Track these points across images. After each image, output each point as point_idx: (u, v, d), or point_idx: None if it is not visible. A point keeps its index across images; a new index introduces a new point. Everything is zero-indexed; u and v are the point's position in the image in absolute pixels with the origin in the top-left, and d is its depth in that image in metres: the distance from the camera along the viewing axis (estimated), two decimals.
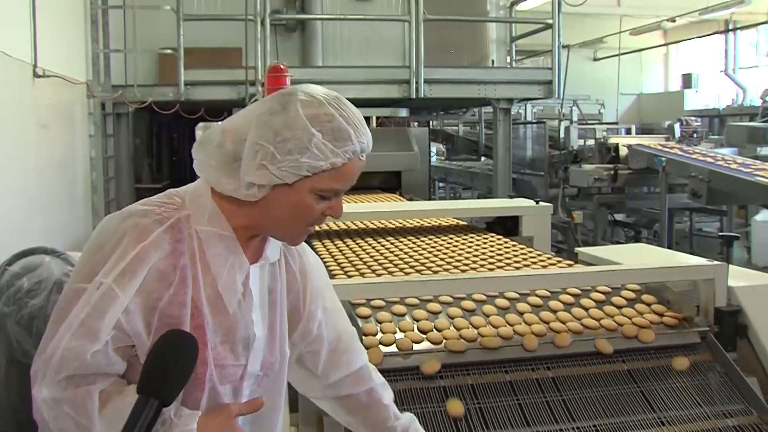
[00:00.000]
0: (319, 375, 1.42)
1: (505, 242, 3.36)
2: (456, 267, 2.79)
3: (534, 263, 2.86)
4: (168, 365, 1.06)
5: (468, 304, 2.21)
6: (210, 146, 1.19)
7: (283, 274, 1.33)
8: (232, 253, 1.21)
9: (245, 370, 1.25)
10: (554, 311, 2.20)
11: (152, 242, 1.14)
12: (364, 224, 3.97)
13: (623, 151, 7.46)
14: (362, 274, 2.70)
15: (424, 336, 2.01)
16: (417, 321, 2.10)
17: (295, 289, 1.36)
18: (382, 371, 1.81)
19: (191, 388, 1.17)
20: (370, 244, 3.36)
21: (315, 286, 1.39)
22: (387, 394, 1.48)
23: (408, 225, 3.96)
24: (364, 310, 2.13)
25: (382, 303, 2.17)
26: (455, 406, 1.75)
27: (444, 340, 2.00)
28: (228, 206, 1.21)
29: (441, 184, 12.11)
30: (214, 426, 1.14)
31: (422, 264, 2.85)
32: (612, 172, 7.26)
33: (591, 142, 8.25)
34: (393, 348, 1.95)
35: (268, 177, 1.15)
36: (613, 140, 7.79)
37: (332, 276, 2.69)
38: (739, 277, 2.27)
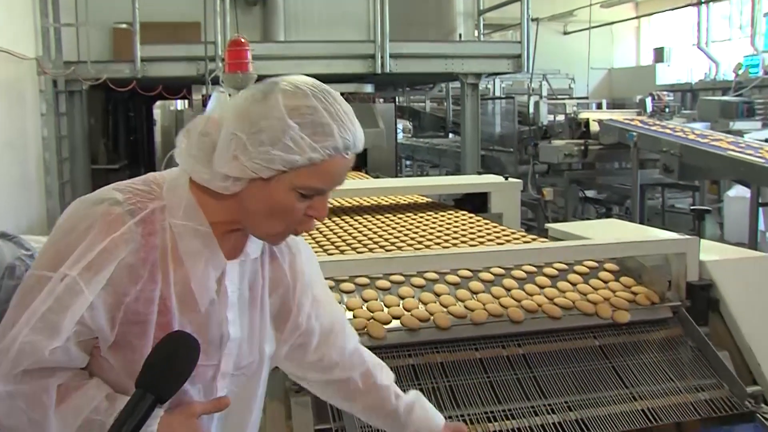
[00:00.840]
0: (312, 362, 1.40)
1: (475, 219, 3.37)
2: (424, 245, 2.80)
3: (504, 240, 2.87)
4: (170, 363, 1.06)
5: (441, 287, 2.21)
6: (194, 134, 1.16)
7: (266, 270, 1.30)
8: (208, 248, 1.18)
9: (218, 370, 1.23)
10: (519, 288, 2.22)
11: (122, 235, 1.11)
12: (329, 203, 3.92)
13: (594, 127, 7.53)
14: (327, 252, 2.69)
15: (384, 311, 2.02)
16: (369, 301, 2.09)
17: (284, 285, 1.32)
18: None
19: None
20: (335, 223, 3.35)
21: (306, 280, 1.36)
22: (384, 375, 1.46)
23: (374, 203, 3.96)
24: (347, 286, 2.12)
25: (352, 287, 2.15)
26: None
27: (403, 315, 2.01)
28: (206, 199, 1.17)
29: (408, 162, 12.11)
30: (175, 425, 1.11)
31: (389, 242, 2.85)
32: (582, 147, 7.33)
33: (561, 117, 8.33)
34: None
35: (240, 169, 1.11)
36: (583, 115, 7.86)
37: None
38: (711, 251, 2.30)
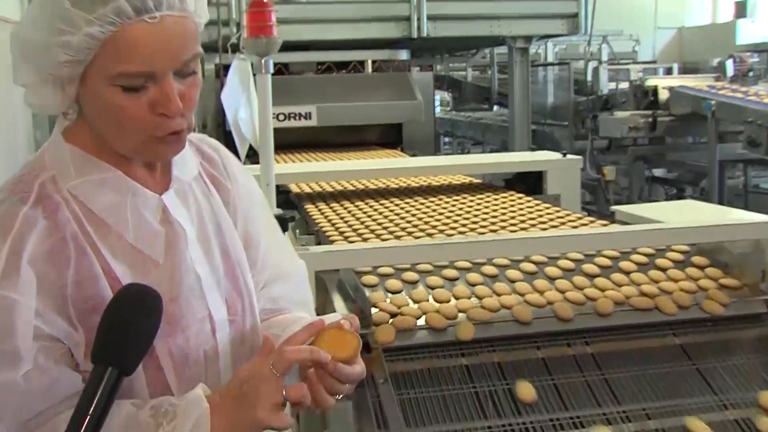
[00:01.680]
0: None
1: (528, 201, 3.36)
2: (472, 230, 2.80)
3: (564, 224, 2.86)
4: (124, 327, 1.03)
5: (490, 269, 2.22)
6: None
7: (212, 189, 1.30)
8: (126, 193, 1.16)
9: (213, 321, 1.22)
10: (591, 276, 2.20)
11: (21, 227, 1.09)
12: (362, 184, 3.98)
13: (663, 95, 7.40)
14: (365, 240, 2.70)
15: (438, 305, 2.03)
16: (432, 289, 2.11)
17: (231, 207, 1.33)
18: (393, 349, 1.87)
19: (152, 370, 1.14)
20: (371, 207, 3.37)
21: (251, 203, 1.37)
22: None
23: (413, 184, 3.97)
24: (371, 279, 2.13)
25: (391, 270, 2.17)
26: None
27: (463, 312, 2.00)
28: (86, 142, 1.15)
29: (447, 140, 12.08)
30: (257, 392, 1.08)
31: (433, 227, 2.85)
32: (650, 119, 7.21)
33: (624, 85, 8.20)
34: (407, 321, 1.96)
35: (30, 76, 1.10)
36: (650, 82, 7.72)
37: (330, 241, 2.70)
38: None
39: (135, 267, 1.15)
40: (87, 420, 0.98)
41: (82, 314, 1.10)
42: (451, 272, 2.19)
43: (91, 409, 0.99)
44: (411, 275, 2.16)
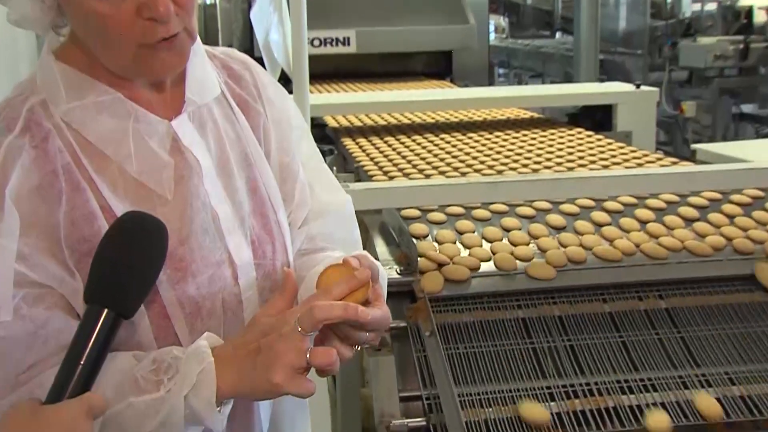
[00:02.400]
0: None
1: (596, 138, 3.33)
2: (534, 169, 2.79)
3: (638, 164, 2.83)
4: (121, 261, 1.01)
5: (555, 218, 2.20)
6: None
7: (239, 113, 1.27)
8: (127, 119, 1.13)
9: (234, 266, 1.18)
10: (662, 224, 2.18)
11: (5, 158, 1.06)
12: (407, 118, 3.97)
13: (759, 18, 7.18)
14: (410, 178, 2.70)
15: (492, 252, 2.03)
16: (486, 235, 2.10)
17: (263, 134, 1.30)
18: (441, 299, 1.87)
19: (159, 320, 1.11)
20: (416, 143, 3.36)
21: (289, 128, 1.34)
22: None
23: (464, 119, 3.95)
24: (419, 228, 2.12)
25: (443, 218, 2.18)
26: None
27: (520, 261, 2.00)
28: (80, 60, 1.12)
29: (501, 71, 11.93)
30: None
31: (487, 165, 2.85)
32: (741, 46, 7.01)
33: (711, 6, 7.97)
34: (461, 269, 1.95)
35: None
36: (744, 2, 7.49)
37: (371, 180, 2.71)
38: None
39: (138, 203, 1.11)
40: (79, 369, 0.95)
41: (78, 257, 1.07)
42: (510, 221, 2.17)
43: (84, 356, 0.96)
44: (463, 221, 2.16)
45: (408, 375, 1.80)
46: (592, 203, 2.26)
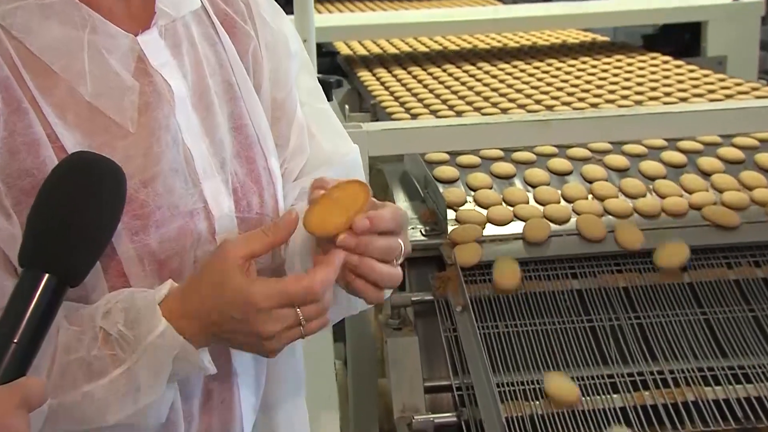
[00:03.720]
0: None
1: (677, 66, 3.29)
2: (594, 104, 2.75)
3: (727, 97, 2.79)
4: (64, 216, 1.00)
5: (617, 159, 2.17)
6: None
7: (223, 33, 1.25)
8: (81, 28, 1.11)
9: (210, 217, 1.17)
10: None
11: None
12: (438, 44, 3.93)
13: None
14: (438, 116, 2.67)
15: (542, 207, 2.04)
16: (533, 187, 2.08)
17: (253, 62, 1.29)
18: (476, 266, 1.87)
19: (115, 279, 1.11)
20: (449, 74, 3.32)
21: (287, 57, 1.33)
22: None
23: (510, 44, 3.92)
24: (448, 171, 2.10)
25: (478, 162, 2.16)
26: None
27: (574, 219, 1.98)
28: None
29: None
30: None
31: (536, 101, 2.82)
32: None
33: None
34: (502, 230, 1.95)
35: None
36: None
37: (391, 119, 2.67)
38: None
39: (92, 134, 1.10)
40: (12, 348, 0.93)
41: (17, 195, 1.06)
42: (560, 163, 2.15)
43: (19, 332, 0.94)
44: (504, 166, 2.14)
45: (435, 360, 1.81)
46: (663, 143, 2.26)
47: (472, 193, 2.06)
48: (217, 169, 1.19)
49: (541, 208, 2.01)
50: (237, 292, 1.05)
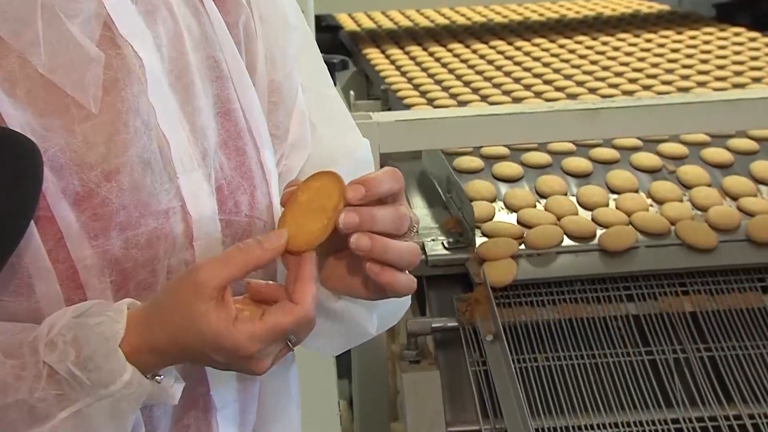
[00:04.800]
0: None
1: (752, 40, 3.31)
2: (647, 87, 2.77)
3: None
4: None
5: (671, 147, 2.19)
6: None
7: (209, 2, 1.26)
8: None
9: (188, 219, 1.17)
10: None
11: None
12: (461, 15, 3.95)
13: None
14: (460, 102, 2.68)
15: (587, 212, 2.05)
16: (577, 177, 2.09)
17: (244, 35, 1.29)
18: (511, 286, 1.86)
19: (71, 291, 1.10)
20: (475, 51, 3.33)
21: (284, 30, 1.33)
22: None
23: (552, 15, 3.95)
24: (470, 161, 2.11)
25: (506, 151, 2.17)
26: None
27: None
28: None
29: None
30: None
31: (578, 83, 2.83)
32: None
33: None
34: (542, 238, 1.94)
35: None
36: None
37: (405, 106, 2.68)
38: None
39: (46, 115, 1.09)
40: None
41: None
42: (605, 152, 2.14)
43: None
44: (540, 156, 2.15)
45: (460, 400, 1.82)
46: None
47: (504, 196, 2.07)
48: (198, 162, 1.19)
49: (586, 212, 2.02)
50: (217, 335, 1.04)
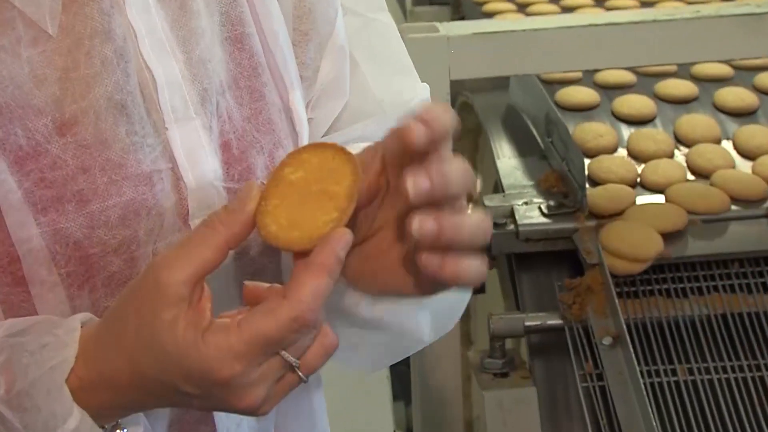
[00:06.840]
0: None
1: None
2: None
3: None
4: None
5: None
6: None
7: None
8: None
9: (181, 186, 1.19)
10: None
11: None
12: None
13: None
14: (564, 8, 2.74)
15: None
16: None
17: None
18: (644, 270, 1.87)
19: (8, 288, 1.13)
20: None
21: None
22: None
23: None
24: (580, 93, 2.12)
25: (631, 78, 2.23)
26: None
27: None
28: None
29: None
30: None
31: None
32: None
33: None
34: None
35: None
36: None
37: (486, 14, 2.69)
38: None
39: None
40: None
41: None
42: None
43: None
44: (683, 85, 2.17)
45: (565, 424, 1.90)
46: None
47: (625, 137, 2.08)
48: (196, 107, 1.21)
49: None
50: (180, 352, 1.02)
